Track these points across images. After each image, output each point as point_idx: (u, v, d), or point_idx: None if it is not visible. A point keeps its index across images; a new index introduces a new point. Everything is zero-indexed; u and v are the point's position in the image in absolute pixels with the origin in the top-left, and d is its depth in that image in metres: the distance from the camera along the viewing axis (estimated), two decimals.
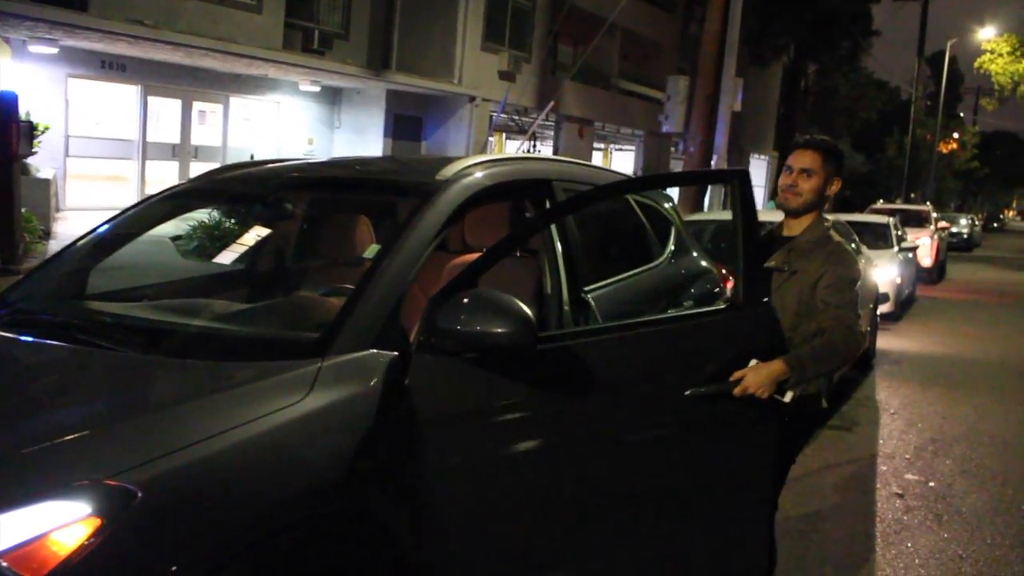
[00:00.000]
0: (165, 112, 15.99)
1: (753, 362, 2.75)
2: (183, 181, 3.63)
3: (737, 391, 2.72)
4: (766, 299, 2.94)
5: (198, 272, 4.71)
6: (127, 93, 15.25)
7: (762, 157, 32.88)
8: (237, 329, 2.48)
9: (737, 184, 2.96)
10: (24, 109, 12.23)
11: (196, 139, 16.44)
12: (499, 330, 2.19)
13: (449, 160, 3.00)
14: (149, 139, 15.57)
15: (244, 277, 3.92)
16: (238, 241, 4.59)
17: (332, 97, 19.00)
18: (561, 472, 2.51)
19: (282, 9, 16.17)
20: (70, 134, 14.19)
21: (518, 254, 3.66)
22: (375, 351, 2.25)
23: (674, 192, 19.08)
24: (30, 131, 9.65)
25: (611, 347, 2.64)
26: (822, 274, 3.05)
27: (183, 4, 14.09)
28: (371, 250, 3.12)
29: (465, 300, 2.25)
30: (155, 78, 15.31)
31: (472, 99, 19.38)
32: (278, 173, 3.29)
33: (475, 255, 3.76)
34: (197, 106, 16.55)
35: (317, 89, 18.01)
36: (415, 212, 2.63)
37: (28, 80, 13.02)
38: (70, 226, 12.88)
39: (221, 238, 7.48)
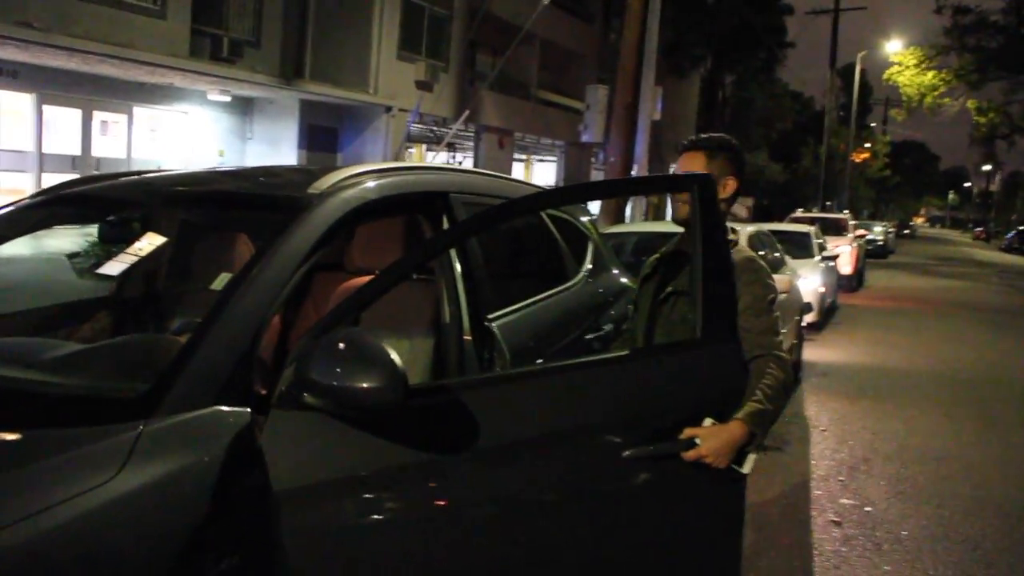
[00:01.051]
0: (63, 122, 15.09)
1: (708, 422, 2.24)
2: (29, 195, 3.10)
3: (689, 455, 2.21)
4: (730, 335, 2.37)
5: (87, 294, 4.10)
6: (20, 101, 14.33)
7: None
8: (45, 383, 1.98)
9: (697, 191, 2.43)
10: None
11: (98, 151, 15.55)
12: (363, 385, 1.76)
13: (329, 170, 2.56)
14: (46, 150, 14.64)
15: (107, 305, 3.41)
16: (128, 250, 3.99)
17: (244, 107, 18.28)
18: (460, 555, 2.05)
19: (187, 15, 15.44)
20: None
21: (415, 277, 3.25)
22: (218, 408, 1.80)
23: (594, 205, 18.95)
24: None
25: (524, 395, 2.16)
26: (741, 292, 2.59)
27: (79, 7, 13.30)
28: (220, 280, 2.64)
29: (326, 345, 1.81)
30: (51, 86, 14.41)
31: (388, 109, 18.88)
32: (134, 186, 2.80)
33: (367, 278, 3.34)
34: (98, 116, 15.66)
35: (227, 99, 17.28)
36: (277, 232, 2.19)
37: None
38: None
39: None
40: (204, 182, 2.79)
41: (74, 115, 15.16)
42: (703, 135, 2.85)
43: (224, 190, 2.68)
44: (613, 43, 22.56)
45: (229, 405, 1.82)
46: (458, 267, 2.83)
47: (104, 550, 1.54)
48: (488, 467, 2.02)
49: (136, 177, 2.88)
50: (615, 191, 2.62)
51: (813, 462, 5.93)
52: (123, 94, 15.57)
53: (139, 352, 2.16)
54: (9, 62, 13.40)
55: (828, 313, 13.23)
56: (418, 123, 19.59)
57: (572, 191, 2.54)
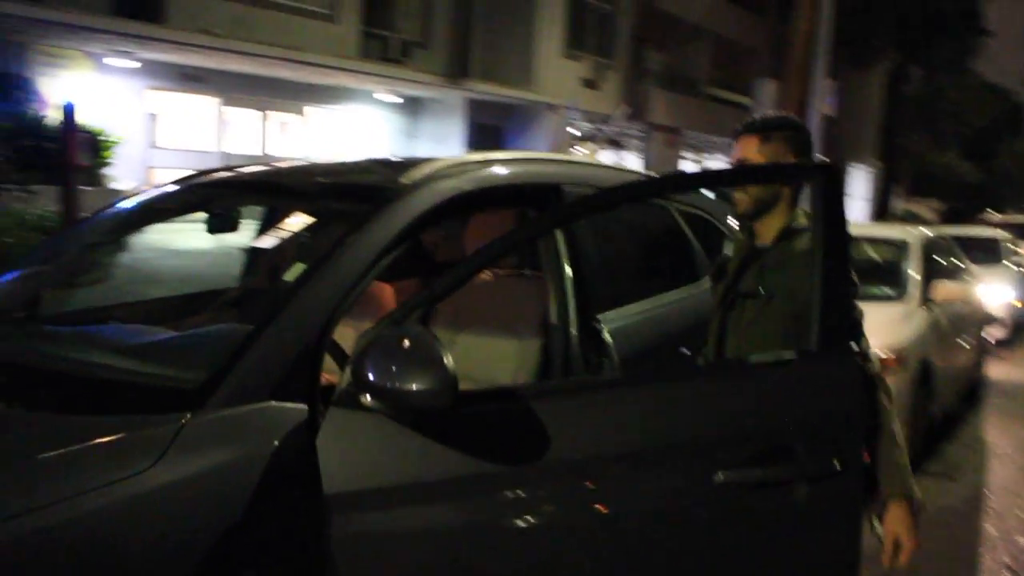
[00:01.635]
0: (244, 123, 15.94)
1: (877, 526, 2.12)
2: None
3: (902, 561, 2.11)
4: (852, 345, 2.10)
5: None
6: (206, 104, 15.24)
7: (862, 167, 31.32)
8: (111, 368, 1.95)
9: (821, 182, 2.13)
10: (99, 122, 12.29)
11: (275, 150, 16.33)
12: (412, 386, 1.60)
13: (432, 160, 2.42)
14: (228, 150, 15.50)
15: (234, 297, 3.43)
16: (279, 225, 3.94)
17: (411, 107, 18.73)
18: None
19: (358, 18, 15.97)
20: (147, 145, 14.20)
21: (524, 273, 3.07)
22: (272, 403, 1.69)
23: None
24: (90, 142, 9.50)
25: (608, 406, 1.93)
26: (808, 290, 2.26)
27: (256, 14, 13.99)
28: (294, 270, 2.55)
29: (380, 343, 1.67)
30: (233, 90, 15.27)
31: (552, 107, 18.83)
32: (228, 180, 2.77)
33: (483, 274, 3.19)
34: (275, 116, 16.46)
35: (395, 99, 17.76)
36: (358, 224, 2.06)
37: (109, 93, 13.08)
38: (148, 237, 12.82)
39: None
40: (302, 174, 2.72)
41: (253, 116, 15.98)
42: (758, 116, 2.50)
43: (317, 182, 2.60)
44: (786, 36, 21.70)
45: (287, 401, 1.71)
46: (567, 263, 2.63)
47: (124, 544, 1.47)
48: (561, 483, 1.81)
49: (240, 171, 2.85)
50: (727, 180, 2.34)
51: (989, 494, 5.32)
52: (296, 95, 16.27)
53: (212, 342, 2.10)
54: (196, 68, 14.26)
55: (1021, 329, 12.04)
56: (585, 121, 19.43)
57: (678, 180, 2.30)
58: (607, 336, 2.63)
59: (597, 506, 1.84)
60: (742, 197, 2.41)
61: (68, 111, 8.19)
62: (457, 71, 17.78)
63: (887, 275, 6.60)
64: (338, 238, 2.02)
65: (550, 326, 2.65)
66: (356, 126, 17.76)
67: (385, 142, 18.19)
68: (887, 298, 6.15)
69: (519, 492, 1.78)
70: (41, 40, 11.94)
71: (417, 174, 2.28)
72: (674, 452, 1.90)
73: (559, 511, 1.81)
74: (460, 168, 2.40)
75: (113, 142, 12.52)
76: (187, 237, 2.71)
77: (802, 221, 2.40)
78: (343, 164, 2.91)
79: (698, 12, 18.91)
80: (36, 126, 10.58)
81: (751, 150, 2.41)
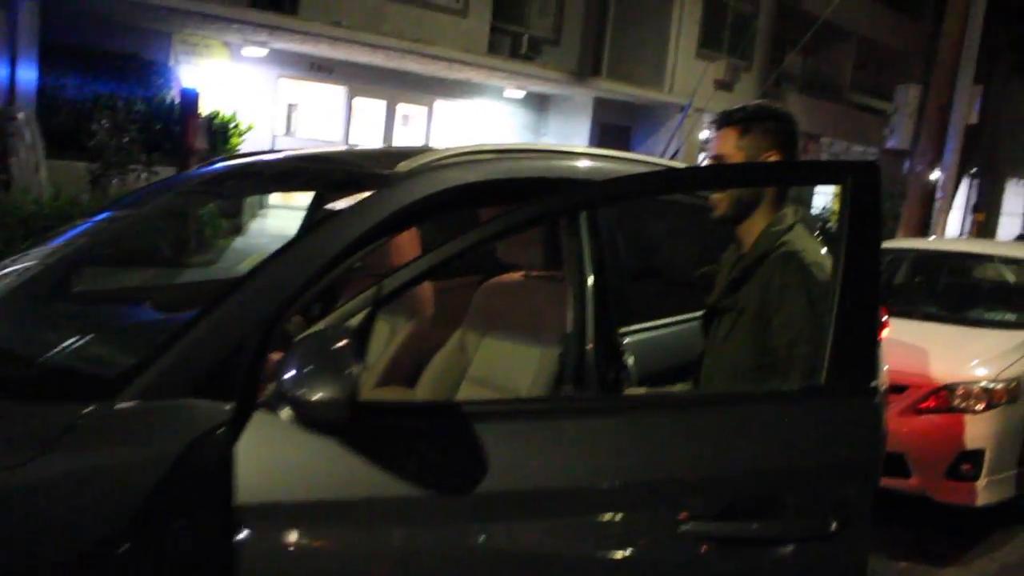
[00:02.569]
0: (370, 114, 16.22)
1: None
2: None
3: None
4: (866, 383, 1.79)
5: None
6: (334, 94, 15.59)
7: (1022, 182, 29.25)
8: (61, 354, 1.88)
9: (850, 185, 1.82)
10: (232, 108, 12.75)
11: (399, 141, 16.55)
12: (313, 396, 1.45)
13: (429, 150, 2.26)
14: (352, 140, 15.81)
15: None
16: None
17: (539, 104, 18.63)
18: None
19: (488, 13, 15.96)
20: (275, 133, 14.64)
21: (558, 275, 2.88)
22: (190, 401, 1.57)
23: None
24: (208, 126, 9.84)
25: (565, 434, 1.70)
26: (771, 304, 2.02)
27: (388, 7, 14.18)
28: (249, 261, 2.43)
29: (299, 346, 1.52)
30: (361, 80, 15.54)
31: (684, 108, 18.34)
32: (232, 168, 2.69)
33: (517, 274, 3.02)
34: (401, 109, 16.67)
35: (522, 95, 17.70)
36: (333, 214, 1.93)
37: (243, 81, 13.55)
38: (268, 223, 13.17)
39: None
40: (304, 160, 2.61)
41: (379, 107, 16.24)
42: (738, 106, 2.22)
43: (314, 168, 2.48)
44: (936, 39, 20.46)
45: (213, 399, 1.59)
46: (590, 268, 2.43)
47: None
48: (496, 517, 1.61)
49: (249, 158, 2.77)
50: (749, 179, 2.00)
51: None
52: (424, 88, 16.43)
53: (161, 329, 2.00)
54: (325, 59, 14.60)
55: None
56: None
57: (699, 175, 2.05)
58: (627, 351, 2.42)
59: (533, 546, 1.63)
60: (720, 198, 2.17)
61: (188, 96, 8.52)
62: (588, 69, 17.56)
63: (1012, 299, 6.03)
64: (306, 228, 1.90)
65: (566, 337, 2.46)
66: (482, 121, 17.80)
67: (510, 138, 18.16)
68: (1007, 324, 5.60)
69: (448, 524, 1.60)
70: (182, 29, 12.45)
71: (414, 163, 2.13)
72: (634, 493, 1.66)
73: (490, 549, 1.61)
74: (467, 158, 2.24)
75: (244, 129, 12.94)
76: None
77: (786, 221, 2.12)
78: (352, 152, 2.79)
79: (843, 13, 17.98)
80: (168, 111, 11.03)
81: (729, 145, 2.18)
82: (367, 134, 15.99)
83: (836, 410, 1.75)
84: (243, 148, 12.85)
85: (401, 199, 1.99)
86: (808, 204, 19.39)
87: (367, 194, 2.00)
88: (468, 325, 3.02)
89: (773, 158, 2.17)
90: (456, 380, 2.87)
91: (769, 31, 20.00)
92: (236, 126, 12.69)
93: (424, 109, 16.94)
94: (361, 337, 1.58)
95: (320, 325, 1.67)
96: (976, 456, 4.60)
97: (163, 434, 1.53)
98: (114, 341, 1.99)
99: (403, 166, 2.10)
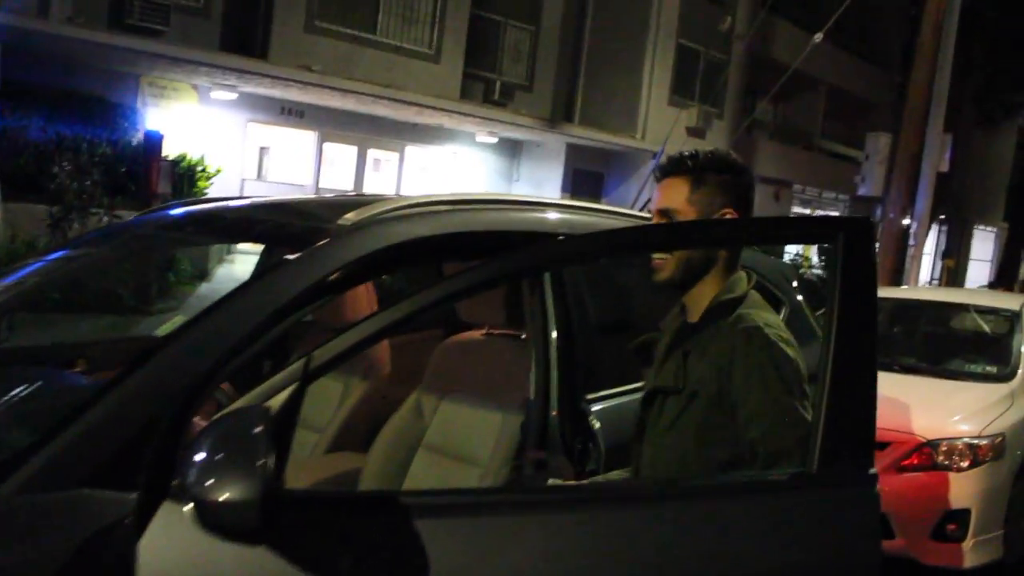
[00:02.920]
0: (340, 159, 16.07)
1: None
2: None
3: None
4: (862, 471, 1.60)
5: None
6: (304, 139, 15.43)
7: (989, 229, 29.57)
8: None
9: (843, 241, 1.63)
10: (200, 152, 12.54)
11: (370, 186, 16.38)
12: (218, 496, 1.23)
13: (382, 200, 2.07)
14: (322, 184, 15.62)
15: None
16: None
17: (511, 150, 18.58)
18: None
19: (461, 59, 15.94)
20: (244, 177, 14.42)
21: (511, 333, 2.68)
22: (86, 492, 1.35)
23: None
24: (172, 169, 9.63)
25: (502, 531, 1.47)
26: (735, 390, 1.75)
27: (359, 51, 14.10)
28: (169, 324, 2.21)
29: (207, 432, 1.31)
30: (332, 125, 15.40)
31: (656, 155, 18.36)
32: (179, 216, 2.49)
33: (477, 332, 2.82)
34: (372, 154, 16.54)
35: (495, 140, 17.65)
36: (265, 271, 1.73)
37: (211, 125, 13.36)
38: (235, 268, 12.87)
39: None
40: (248, 210, 2.41)
41: (350, 152, 16.09)
42: (686, 152, 1.97)
43: (257, 218, 2.28)
44: (905, 88, 20.75)
45: (114, 489, 1.37)
46: (553, 326, 2.24)
47: None
48: None
49: (196, 205, 2.57)
50: (729, 237, 1.77)
51: None
52: (396, 134, 16.32)
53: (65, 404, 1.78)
54: (295, 103, 14.46)
55: None
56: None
57: (671, 232, 1.76)
58: (594, 420, 2.22)
59: None
60: (665, 259, 1.90)
61: (151, 139, 8.31)
62: (560, 115, 17.57)
63: (992, 350, 5.90)
64: (232, 290, 1.69)
65: (527, 405, 2.25)
66: (454, 166, 17.70)
67: (483, 183, 18.06)
68: (989, 377, 5.46)
69: None
70: (149, 71, 12.28)
71: (361, 215, 1.94)
72: None
73: None
74: (418, 209, 2.05)
75: (212, 172, 12.72)
76: None
77: (740, 288, 1.89)
78: (302, 201, 2.61)
79: (813, 63, 18.15)
80: (133, 153, 10.81)
81: (679, 198, 1.91)
82: (338, 179, 15.81)
83: (830, 502, 1.53)
84: (211, 192, 12.62)
85: (343, 255, 1.79)
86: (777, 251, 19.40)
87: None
88: (425, 387, 2.81)
89: (728, 216, 1.92)
90: (411, 447, 2.66)
91: (741, 79, 20.19)
92: (204, 170, 12.46)
93: (395, 155, 16.82)
94: (285, 419, 1.37)
95: (237, 404, 1.45)
96: (962, 516, 4.43)
97: (51, 532, 1.31)
98: (13, 415, 1.77)
99: (347, 219, 1.91)
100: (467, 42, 16.05)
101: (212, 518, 1.24)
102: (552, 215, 2.32)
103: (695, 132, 19.14)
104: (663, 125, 18.48)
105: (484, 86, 16.74)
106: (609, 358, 2.47)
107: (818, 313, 3.55)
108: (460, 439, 2.55)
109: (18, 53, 10.22)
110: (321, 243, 1.80)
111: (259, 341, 1.62)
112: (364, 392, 3.07)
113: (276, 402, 1.42)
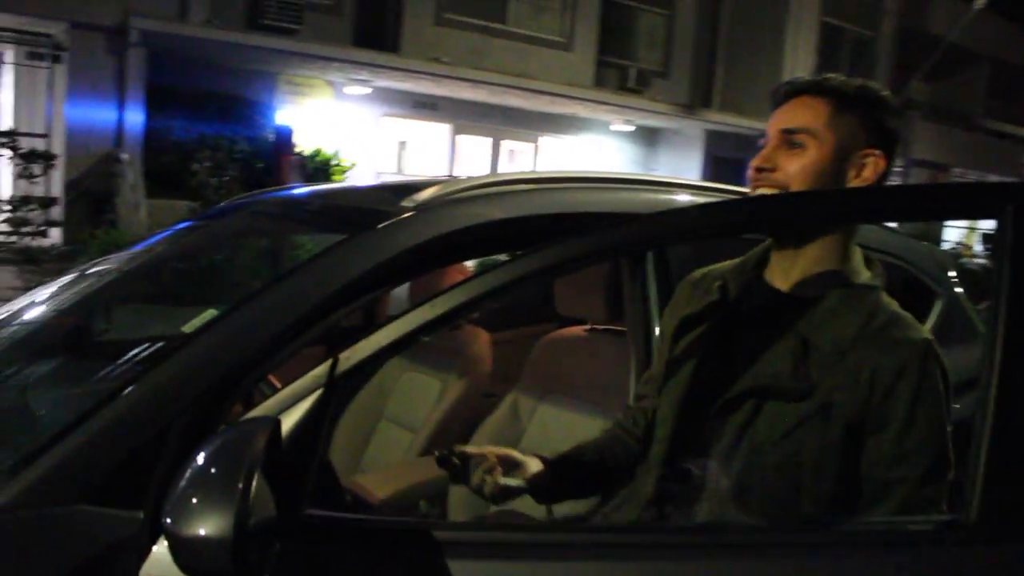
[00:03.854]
0: (474, 151, 16.06)
1: None
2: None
3: None
4: None
5: None
6: (438, 132, 15.49)
7: None
8: None
9: (1012, 216, 1.24)
10: (335, 146, 12.76)
11: None
12: (192, 532, 1.01)
13: (452, 181, 1.85)
14: (458, 176, 15.64)
15: None
16: None
17: (648, 138, 18.13)
18: None
19: (594, 47, 15.64)
20: (379, 171, 14.61)
21: (615, 329, 2.41)
22: (84, 508, 1.18)
23: None
24: (302, 164, 9.78)
25: None
26: (892, 417, 1.34)
27: (489, 42, 14.02)
28: (197, 319, 2.00)
29: (197, 454, 1.09)
30: (465, 117, 15.40)
31: None
32: (243, 204, 2.34)
33: (579, 328, 2.56)
34: (506, 145, 16.45)
35: (631, 129, 17.25)
36: (309, 261, 1.52)
37: (346, 119, 13.59)
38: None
39: None
40: (311, 198, 2.23)
41: (485, 144, 16.06)
42: (826, 75, 1.51)
43: (320, 205, 2.10)
44: None
45: (115, 506, 1.20)
46: (656, 320, 1.96)
47: None
48: None
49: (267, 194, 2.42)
50: (865, 208, 1.38)
51: None
52: (530, 124, 16.17)
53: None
54: (428, 96, 14.52)
55: None
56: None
57: (801, 202, 1.37)
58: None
59: None
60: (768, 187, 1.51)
61: (281, 134, 8.42)
62: (698, 101, 16.99)
63: None
64: (273, 277, 1.50)
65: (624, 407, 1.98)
66: (591, 155, 17.41)
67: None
68: None
69: None
70: (285, 69, 12.57)
71: (424, 195, 1.72)
72: None
73: None
74: (496, 189, 1.81)
75: (347, 166, 12.92)
76: None
77: (863, 276, 1.47)
78: (362, 187, 2.41)
79: (973, 35, 16.88)
80: (270, 149, 11.08)
81: (817, 119, 1.49)
82: (472, 171, 15.81)
83: (995, 563, 1.18)
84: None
85: (400, 241, 1.58)
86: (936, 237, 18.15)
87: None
88: (523, 387, 2.58)
89: (876, 161, 1.50)
90: None
91: (891, 55, 18.98)
92: (338, 164, 12.66)
93: (530, 145, 16.69)
94: (308, 432, 1.16)
95: (253, 413, 1.25)
96: None
97: (43, 553, 1.15)
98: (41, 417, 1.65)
99: (410, 200, 1.69)
100: (600, 29, 15.73)
101: (182, 557, 1.04)
102: (652, 196, 2.03)
103: None
104: None
105: (618, 73, 16.37)
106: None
107: (980, 307, 3.10)
108: (559, 447, 2.31)
109: (162, 58, 10.64)
110: (375, 228, 1.59)
111: (298, 340, 1.42)
112: (461, 391, 2.87)
113: (297, 412, 1.22)
